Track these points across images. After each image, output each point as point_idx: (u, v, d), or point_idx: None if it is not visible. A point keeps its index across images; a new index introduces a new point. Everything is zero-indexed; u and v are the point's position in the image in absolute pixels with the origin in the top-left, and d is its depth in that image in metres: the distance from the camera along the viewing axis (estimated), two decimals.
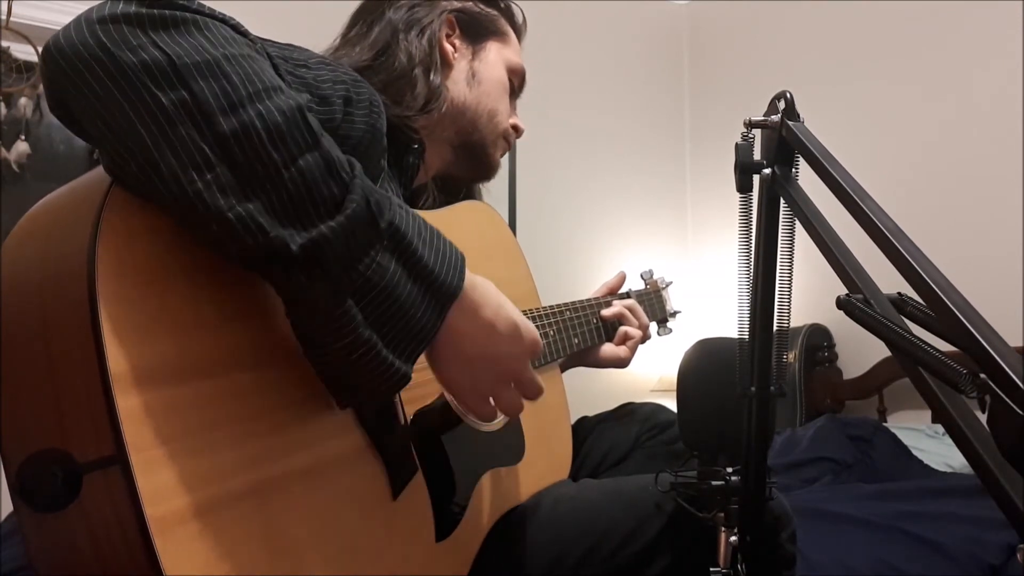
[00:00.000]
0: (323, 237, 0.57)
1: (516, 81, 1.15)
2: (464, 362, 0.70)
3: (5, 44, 1.99)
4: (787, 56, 3.14)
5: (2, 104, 1.99)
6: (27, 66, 2.02)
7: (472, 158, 1.10)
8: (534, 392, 0.77)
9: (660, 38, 3.55)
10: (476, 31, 1.10)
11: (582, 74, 3.09)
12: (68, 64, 0.55)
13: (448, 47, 1.06)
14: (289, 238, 0.57)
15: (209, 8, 0.62)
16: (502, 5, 1.15)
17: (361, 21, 1.06)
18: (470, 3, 1.10)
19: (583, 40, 3.08)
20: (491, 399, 0.73)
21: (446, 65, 1.05)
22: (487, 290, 0.71)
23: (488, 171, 1.14)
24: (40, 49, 2.00)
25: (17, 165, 2.01)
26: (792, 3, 3.13)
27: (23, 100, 2.03)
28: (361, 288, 0.60)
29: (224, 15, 0.63)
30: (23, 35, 2.00)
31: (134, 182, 0.57)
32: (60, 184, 0.62)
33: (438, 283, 0.64)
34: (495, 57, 1.11)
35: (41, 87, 2.03)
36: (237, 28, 0.64)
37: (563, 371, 1.22)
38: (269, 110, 0.58)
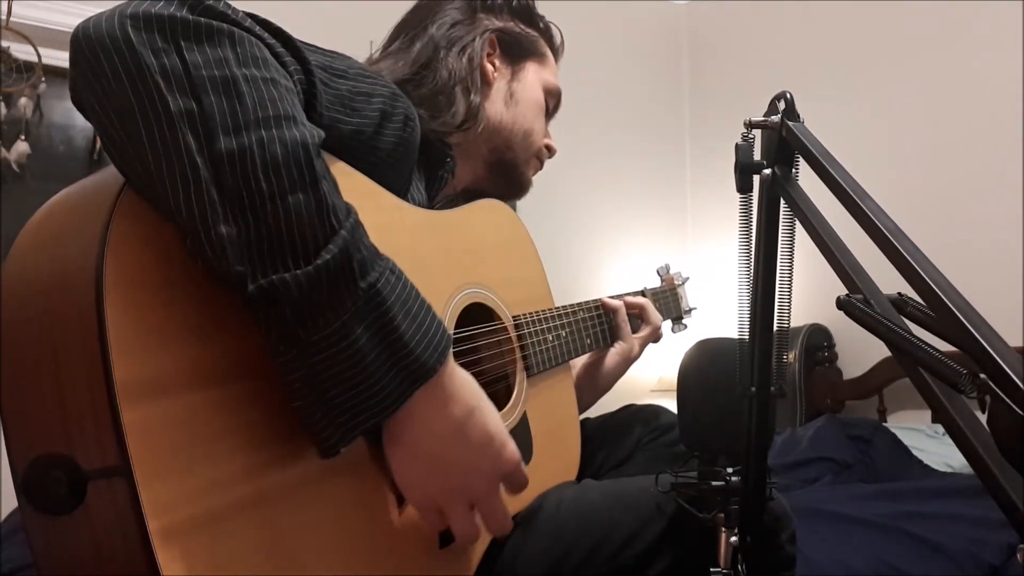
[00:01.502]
0: (283, 284, 0.56)
1: (552, 102, 1.17)
2: (418, 458, 0.64)
3: (5, 44, 1.99)
4: (787, 56, 3.13)
5: (2, 104, 1.98)
6: (27, 66, 2.02)
7: (505, 176, 1.12)
8: (496, 525, 0.69)
9: (660, 38, 3.55)
10: (516, 52, 1.11)
11: (582, 74, 3.08)
12: (90, 50, 0.56)
13: (488, 66, 1.07)
14: (250, 276, 0.56)
15: (250, 23, 0.62)
16: (541, 26, 1.16)
17: (403, 35, 1.07)
18: (511, 24, 1.11)
19: (582, 40, 3.06)
20: (441, 512, 0.67)
21: (486, 84, 1.06)
22: (466, 387, 0.66)
23: (520, 190, 1.15)
24: (40, 49, 2.00)
25: (17, 165, 2.00)
26: (792, 3, 3.13)
27: (23, 100, 2.02)
28: (316, 344, 0.57)
29: (264, 34, 0.63)
30: (23, 35, 1.99)
31: (134, 176, 0.58)
32: (60, 184, 0.62)
33: (410, 359, 0.60)
34: (533, 78, 1.12)
35: (41, 87, 2.03)
36: (273, 48, 0.64)
37: (586, 410, 1.21)
38: (272, 139, 0.57)
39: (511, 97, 1.09)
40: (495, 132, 1.07)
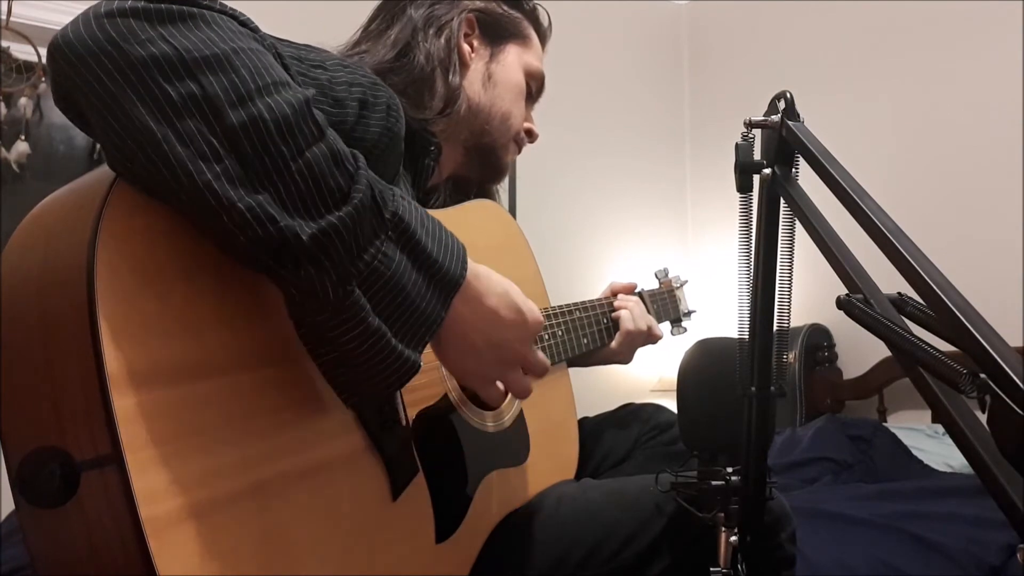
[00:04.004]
0: (332, 227, 0.58)
1: (534, 85, 1.15)
2: (470, 350, 0.71)
3: (5, 44, 1.99)
4: (787, 56, 3.13)
5: (2, 104, 1.98)
6: (27, 66, 2.02)
7: (483, 160, 1.10)
8: (540, 371, 0.78)
9: (660, 38, 3.55)
10: (496, 32, 1.10)
11: (582, 74, 3.09)
12: (76, 58, 0.55)
13: (465, 47, 1.06)
14: (299, 228, 0.57)
15: (219, 3, 0.62)
16: (526, 7, 1.14)
17: (382, 15, 1.06)
18: (493, 3, 1.09)
19: (583, 40, 3.08)
20: (499, 383, 0.75)
21: (463, 65, 1.05)
22: (490, 278, 0.72)
23: (498, 173, 1.14)
24: (40, 49, 2.00)
25: (17, 165, 2.00)
26: (792, 3, 3.13)
27: (23, 100, 2.02)
28: (368, 277, 0.60)
29: (233, 10, 0.63)
30: (23, 35, 2.00)
31: (143, 175, 0.57)
32: (60, 184, 0.62)
33: (442, 272, 0.65)
34: (513, 60, 1.10)
35: (41, 87, 2.03)
36: (246, 24, 0.64)
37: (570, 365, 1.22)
38: (278, 103, 0.58)
39: (489, 79, 1.07)
40: (473, 115, 1.05)
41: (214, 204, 0.56)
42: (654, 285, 1.43)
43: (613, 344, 1.24)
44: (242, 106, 0.57)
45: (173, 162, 0.55)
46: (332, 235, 0.58)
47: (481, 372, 0.74)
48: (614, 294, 1.31)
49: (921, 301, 0.44)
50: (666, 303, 1.41)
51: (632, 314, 1.24)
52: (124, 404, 0.52)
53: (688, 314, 1.48)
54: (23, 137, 2.02)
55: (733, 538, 0.74)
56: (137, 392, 0.54)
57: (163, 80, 0.55)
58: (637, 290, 1.35)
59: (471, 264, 0.69)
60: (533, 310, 0.76)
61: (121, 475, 0.51)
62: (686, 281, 1.51)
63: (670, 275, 1.47)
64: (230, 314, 0.62)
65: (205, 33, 0.58)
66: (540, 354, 0.78)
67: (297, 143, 0.58)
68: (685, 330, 1.47)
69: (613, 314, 1.25)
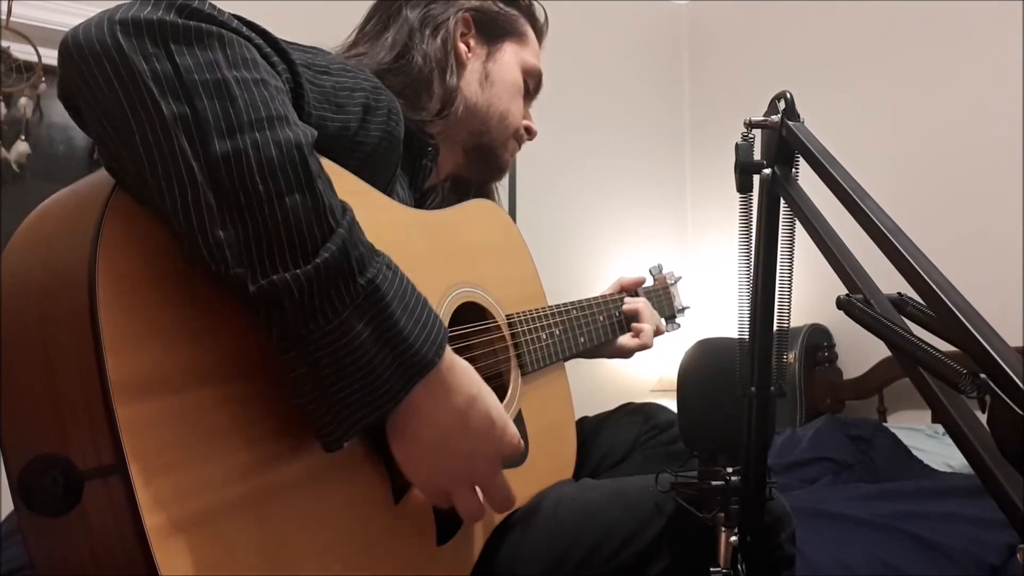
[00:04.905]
0: (283, 283, 0.56)
1: (532, 83, 1.14)
2: (422, 448, 0.66)
3: (5, 44, 1.99)
4: (787, 56, 3.13)
5: (2, 104, 1.98)
6: (27, 66, 2.02)
7: (482, 159, 1.10)
8: (501, 504, 0.72)
9: (660, 38, 3.55)
10: (493, 31, 1.09)
11: (581, 74, 3.09)
12: (81, 58, 0.56)
13: (462, 47, 1.05)
14: (249, 278, 0.56)
15: (237, 23, 0.62)
16: (523, 4, 1.14)
17: (378, 16, 1.05)
18: (489, 2, 1.09)
19: (582, 40, 3.08)
20: (448, 495, 0.69)
21: (460, 65, 1.04)
22: (466, 377, 0.67)
23: (498, 172, 1.14)
24: (40, 49, 2.00)
25: (17, 165, 2.01)
26: (792, 3, 3.13)
27: (23, 100, 2.02)
28: (319, 340, 0.58)
29: (252, 32, 0.63)
30: (23, 35, 2.00)
31: (131, 182, 0.58)
32: (60, 184, 0.62)
33: (410, 352, 0.61)
34: (510, 58, 1.10)
35: (41, 87, 2.03)
36: (261, 48, 0.64)
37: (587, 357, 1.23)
38: (266, 140, 0.57)
39: (486, 78, 1.07)
40: (471, 115, 1.05)
41: (176, 227, 0.57)
42: (649, 282, 1.44)
43: (622, 341, 1.26)
44: (230, 136, 0.56)
45: (150, 179, 0.56)
46: (281, 291, 0.56)
47: (429, 477, 0.67)
48: (624, 290, 1.32)
49: (921, 301, 0.44)
50: (661, 300, 1.42)
51: (649, 330, 1.26)
52: (127, 413, 0.52)
53: (683, 310, 1.49)
54: (23, 137, 2.02)
55: (733, 538, 0.74)
56: (140, 399, 0.53)
57: (159, 95, 0.55)
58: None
59: (449, 354, 0.65)
60: (510, 428, 0.69)
61: (125, 484, 0.51)
62: (680, 277, 1.51)
63: (664, 271, 1.48)
64: (232, 319, 0.61)
65: (215, 55, 0.58)
66: (506, 486, 0.71)
67: (277, 185, 0.57)
68: (679, 326, 1.48)
69: (633, 325, 1.26)
